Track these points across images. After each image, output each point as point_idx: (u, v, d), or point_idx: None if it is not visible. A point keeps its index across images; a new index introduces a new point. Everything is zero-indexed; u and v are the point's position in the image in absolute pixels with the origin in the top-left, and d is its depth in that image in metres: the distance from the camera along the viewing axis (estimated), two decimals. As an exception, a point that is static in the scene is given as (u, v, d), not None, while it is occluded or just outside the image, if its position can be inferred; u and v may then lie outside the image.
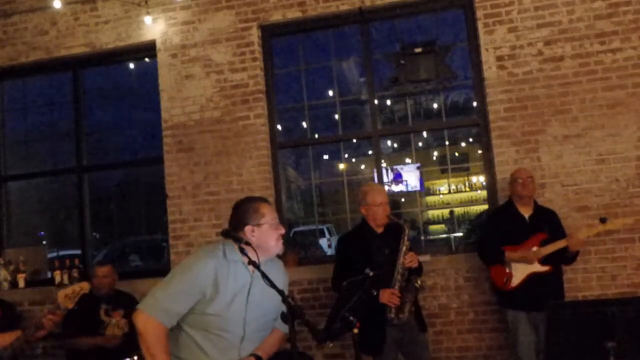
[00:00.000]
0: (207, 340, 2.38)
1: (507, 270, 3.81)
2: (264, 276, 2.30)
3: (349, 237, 3.86)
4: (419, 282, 3.53)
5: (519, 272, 3.78)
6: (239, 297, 2.43)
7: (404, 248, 3.53)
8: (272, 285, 2.31)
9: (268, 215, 2.54)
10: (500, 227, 3.93)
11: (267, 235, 2.50)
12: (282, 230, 2.61)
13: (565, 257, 3.83)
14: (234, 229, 2.51)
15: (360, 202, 3.76)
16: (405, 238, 3.55)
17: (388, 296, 3.42)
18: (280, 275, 2.48)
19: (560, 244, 3.73)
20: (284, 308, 2.59)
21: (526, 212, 3.93)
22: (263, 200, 2.62)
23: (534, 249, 3.76)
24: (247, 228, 2.48)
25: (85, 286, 3.29)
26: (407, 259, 3.51)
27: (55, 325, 3.21)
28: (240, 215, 2.52)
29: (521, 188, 3.89)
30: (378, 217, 3.64)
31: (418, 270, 3.65)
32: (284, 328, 2.66)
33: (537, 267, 3.74)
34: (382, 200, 3.66)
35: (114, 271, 4.38)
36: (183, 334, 2.41)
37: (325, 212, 9.22)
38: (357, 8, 4.86)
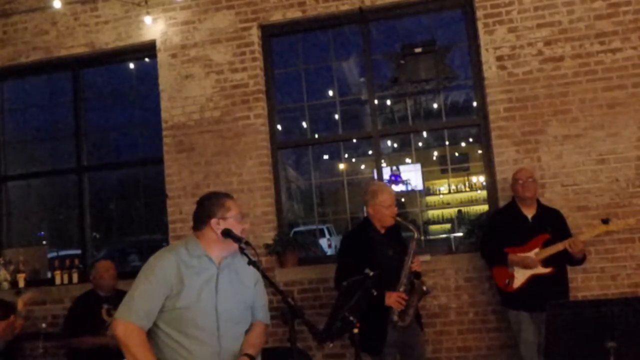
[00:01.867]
0: (184, 336, 2.39)
1: (510, 272, 3.80)
2: (264, 276, 2.31)
3: (353, 236, 3.83)
4: (425, 286, 3.52)
5: (521, 274, 3.76)
6: (207, 289, 2.45)
7: (412, 251, 3.51)
8: (272, 285, 2.32)
9: (233, 210, 2.55)
10: (503, 227, 3.91)
11: (232, 228, 2.49)
12: (246, 225, 2.64)
13: (571, 258, 3.77)
14: (199, 224, 2.54)
15: (367, 201, 3.69)
16: (414, 243, 3.53)
17: (395, 299, 3.41)
18: (249, 269, 2.49)
19: (559, 246, 3.69)
20: (260, 299, 2.63)
21: (529, 212, 3.90)
22: (228, 195, 2.64)
23: (536, 250, 3.75)
24: (213, 221, 2.50)
25: (34, 294, 3.71)
26: (414, 262, 3.52)
27: (20, 331, 3.60)
28: (206, 209, 2.54)
29: (521, 189, 3.87)
30: (385, 218, 3.60)
31: (418, 275, 3.65)
32: (266, 319, 2.69)
33: (539, 269, 3.72)
34: (392, 202, 3.62)
35: (114, 266, 4.39)
36: (161, 333, 2.42)
37: (325, 212, 9.22)
38: (357, 8, 4.86)
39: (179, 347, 2.39)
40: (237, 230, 2.50)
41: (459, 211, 11.36)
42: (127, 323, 2.34)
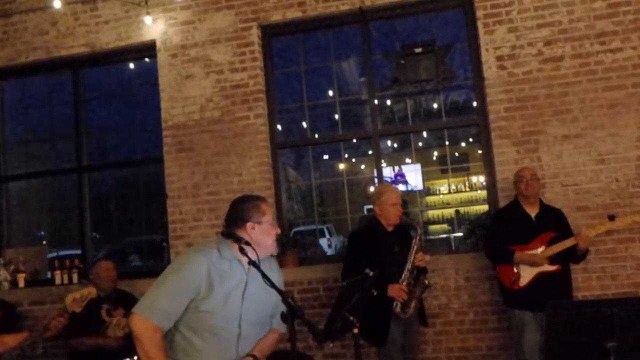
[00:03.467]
0: (202, 340, 2.36)
1: (515, 270, 3.79)
2: (264, 277, 2.30)
3: (360, 233, 3.96)
4: (427, 280, 3.67)
5: (527, 272, 3.76)
6: (234, 294, 2.42)
7: (415, 247, 3.66)
8: (272, 285, 2.31)
9: (268, 215, 2.57)
10: (507, 226, 3.91)
11: (266, 233, 2.51)
12: (279, 231, 2.63)
13: (574, 256, 3.81)
14: (232, 226, 2.52)
15: (374, 201, 3.89)
16: (418, 238, 3.69)
17: (397, 290, 3.55)
18: (275, 274, 2.49)
19: (568, 243, 3.71)
20: (281, 306, 2.60)
21: (532, 211, 3.90)
22: (263, 199, 2.65)
23: (541, 248, 3.75)
24: (249, 225, 2.50)
25: (93, 291, 3.35)
26: (417, 257, 3.65)
27: (63, 327, 3.27)
28: (241, 212, 2.53)
29: (524, 187, 3.87)
30: (391, 216, 3.77)
31: (424, 270, 3.77)
32: (282, 328, 2.66)
33: (546, 267, 3.72)
34: (397, 201, 3.79)
35: (115, 267, 4.38)
36: (178, 335, 2.39)
37: (325, 212, 9.21)
38: (357, 8, 4.86)
39: (194, 350, 2.36)
40: (271, 235, 2.52)
41: (457, 211, 11.36)
42: (146, 320, 2.30)
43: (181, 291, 2.35)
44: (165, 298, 2.33)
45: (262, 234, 2.50)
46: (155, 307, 2.32)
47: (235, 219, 2.53)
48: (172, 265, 2.46)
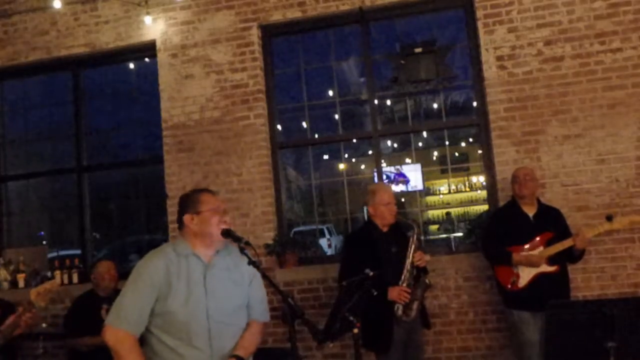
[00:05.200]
0: (175, 339, 2.36)
1: (514, 271, 3.78)
2: (265, 276, 2.30)
3: (356, 235, 3.89)
4: (428, 279, 3.59)
5: (526, 273, 3.74)
6: (196, 289, 2.40)
7: (413, 246, 3.58)
8: (272, 284, 2.31)
9: (208, 204, 2.49)
10: (505, 226, 3.89)
11: (207, 222, 2.45)
12: (226, 217, 2.51)
13: (572, 256, 3.80)
14: (179, 223, 2.52)
15: (367, 201, 3.78)
16: (415, 237, 3.60)
17: (398, 293, 3.46)
18: (243, 267, 2.46)
19: (566, 243, 3.70)
20: (257, 296, 2.58)
21: (530, 211, 3.89)
22: (206, 190, 2.59)
23: (540, 248, 3.75)
24: (186, 217, 2.47)
25: (55, 284, 3.30)
26: (416, 257, 3.57)
27: (32, 324, 3.25)
28: (181, 207, 2.52)
29: (519, 187, 3.87)
30: (386, 216, 3.68)
31: (424, 270, 3.70)
32: (262, 317, 2.61)
33: (545, 267, 3.71)
34: (390, 200, 3.70)
35: (115, 267, 4.38)
36: (153, 339, 2.39)
37: (325, 212, 9.22)
38: (357, 8, 4.86)
39: (170, 352, 2.35)
40: (213, 223, 2.44)
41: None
42: (118, 330, 2.31)
43: (144, 295, 2.35)
44: (131, 305, 2.34)
45: (203, 223, 2.44)
46: (123, 316, 2.33)
47: (179, 214, 2.52)
48: (133, 272, 2.45)
